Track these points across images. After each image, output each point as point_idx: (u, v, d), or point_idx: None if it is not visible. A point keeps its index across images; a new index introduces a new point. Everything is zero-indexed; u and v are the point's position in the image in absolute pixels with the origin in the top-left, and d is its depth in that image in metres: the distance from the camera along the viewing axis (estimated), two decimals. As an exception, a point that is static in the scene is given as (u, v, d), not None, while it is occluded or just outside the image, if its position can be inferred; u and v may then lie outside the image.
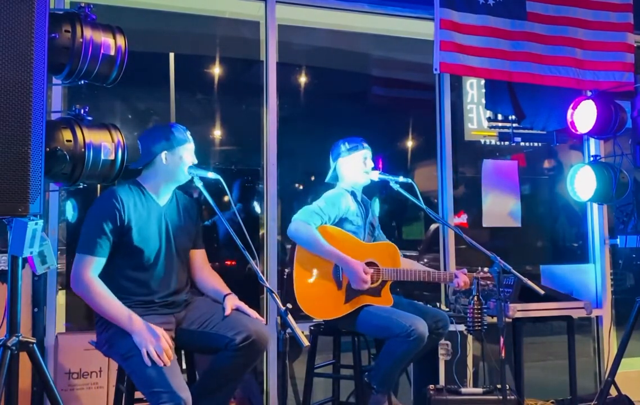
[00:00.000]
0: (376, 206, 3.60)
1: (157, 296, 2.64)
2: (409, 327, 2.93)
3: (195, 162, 2.78)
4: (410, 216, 4.95)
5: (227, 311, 2.63)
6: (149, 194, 2.72)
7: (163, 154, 2.71)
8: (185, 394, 2.31)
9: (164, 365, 2.35)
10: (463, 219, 4.66)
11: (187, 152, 2.75)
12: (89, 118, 2.49)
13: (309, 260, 3.15)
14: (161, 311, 2.63)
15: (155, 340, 2.39)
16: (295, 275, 3.14)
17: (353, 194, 3.35)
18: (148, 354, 2.36)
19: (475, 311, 3.01)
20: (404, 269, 3.24)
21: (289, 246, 3.23)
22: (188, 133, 2.80)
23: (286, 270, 3.21)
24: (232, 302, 2.69)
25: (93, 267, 2.52)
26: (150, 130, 2.83)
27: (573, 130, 4.28)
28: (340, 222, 3.26)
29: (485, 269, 3.16)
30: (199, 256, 2.89)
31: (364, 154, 3.34)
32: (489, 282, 3.14)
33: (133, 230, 2.59)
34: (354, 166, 3.35)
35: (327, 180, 3.48)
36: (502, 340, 2.87)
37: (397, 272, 3.20)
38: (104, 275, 2.56)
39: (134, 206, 2.63)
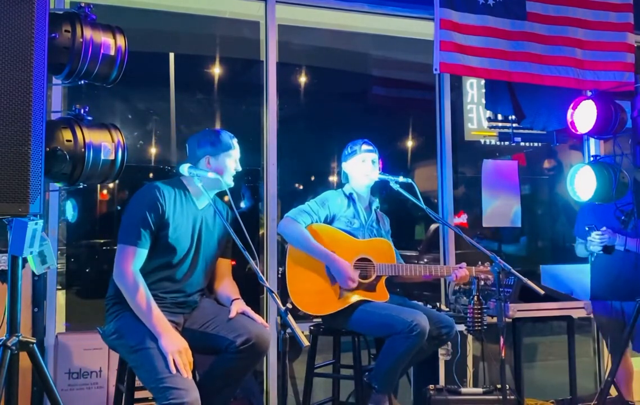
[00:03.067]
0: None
1: (172, 294, 2.65)
2: (411, 322, 2.91)
3: (239, 169, 2.82)
4: (410, 216, 4.95)
5: (232, 314, 2.63)
6: (190, 196, 2.73)
7: (206, 158, 2.75)
8: (195, 394, 2.31)
9: (185, 376, 2.35)
10: (463, 219, 4.66)
11: (231, 160, 2.78)
12: (89, 118, 2.48)
13: (302, 258, 3.15)
14: (172, 309, 2.63)
15: (183, 351, 2.40)
16: (288, 272, 3.15)
17: (351, 195, 3.35)
18: (161, 353, 2.37)
19: (475, 311, 3.02)
20: (398, 264, 3.24)
21: (287, 246, 3.23)
22: (234, 140, 2.82)
23: (280, 268, 3.21)
24: (239, 306, 2.69)
25: (135, 259, 2.53)
26: (198, 134, 2.84)
27: (573, 130, 4.27)
28: (333, 222, 3.27)
29: (486, 263, 3.15)
30: (223, 265, 2.90)
31: (363, 157, 3.33)
32: (489, 276, 3.13)
33: (170, 228, 2.61)
34: (354, 169, 3.35)
35: (341, 181, 3.50)
36: (502, 340, 2.87)
37: (392, 267, 3.19)
38: None
39: (174, 204, 2.65)
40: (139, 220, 2.55)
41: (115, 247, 2.61)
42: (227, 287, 2.86)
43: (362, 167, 3.33)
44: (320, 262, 3.15)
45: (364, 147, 3.34)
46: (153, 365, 2.36)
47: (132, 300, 2.49)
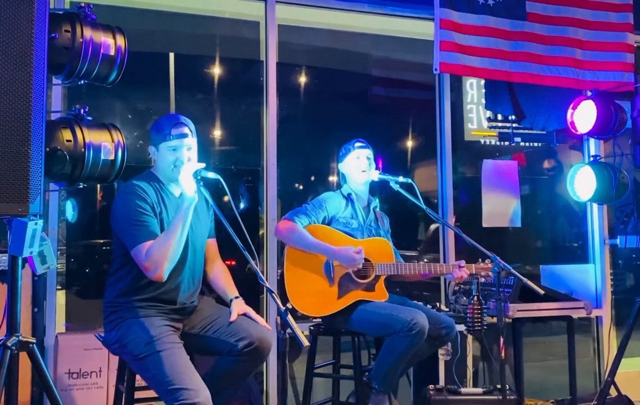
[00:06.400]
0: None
1: (170, 298, 2.58)
2: (411, 321, 2.91)
3: (184, 161, 2.58)
4: (410, 216, 4.95)
5: (233, 317, 2.60)
6: (164, 186, 2.67)
7: (151, 149, 2.69)
8: (206, 393, 2.30)
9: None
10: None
11: (169, 151, 2.60)
12: (89, 118, 2.49)
13: (299, 259, 3.15)
14: (172, 316, 2.59)
15: None
16: (286, 274, 3.15)
17: (349, 196, 3.35)
18: (167, 356, 2.36)
19: (475, 311, 3.01)
20: (397, 263, 3.23)
21: (285, 248, 3.23)
22: (182, 129, 2.61)
23: (279, 270, 3.20)
24: (239, 307, 2.66)
25: None
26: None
27: (573, 130, 4.28)
28: (331, 223, 3.26)
29: (487, 260, 3.11)
30: (210, 246, 2.83)
31: (357, 153, 3.33)
32: (490, 273, 3.11)
33: (159, 223, 2.55)
34: (350, 167, 3.35)
35: (339, 182, 3.50)
36: (502, 340, 2.87)
37: (390, 267, 3.18)
38: (123, 271, 2.55)
39: (154, 196, 2.58)
40: (137, 215, 2.49)
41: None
42: (221, 276, 2.82)
43: (357, 164, 3.32)
44: (318, 264, 3.15)
45: (357, 144, 3.36)
46: (160, 370, 2.35)
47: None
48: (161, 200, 2.61)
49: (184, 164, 2.55)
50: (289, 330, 2.17)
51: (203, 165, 2.52)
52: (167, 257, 2.42)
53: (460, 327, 3.56)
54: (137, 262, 2.46)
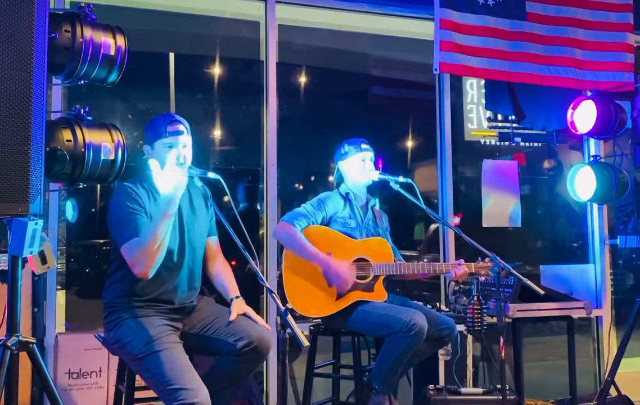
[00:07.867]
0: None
1: (168, 299, 2.58)
2: (409, 321, 2.91)
3: (182, 160, 2.58)
4: (410, 216, 4.95)
5: (232, 317, 2.59)
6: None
7: (146, 148, 2.68)
8: (205, 392, 2.30)
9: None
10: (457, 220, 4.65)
11: (165, 149, 2.58)
12: (89, 118, 2.48)
13: (298, 260, 3.14)
14: (171, 315, 2.59)
15: None
16: (285, 275, 3.15)
17: (347, 195, 3.35)
18: (166, 356, 2.36)
19: (475, 311, 3.01)
20: (396, 263, 3.23)
21: (284, 249, 3.23)
22: (178, 126, 2.60)
23: (278, 271, 3.20)
24: (239, 307, 2.65)
25: None
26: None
27: (573, 130, 4.28)
28: (329, 224, 3.26)
29: (486, 259, 3.10)
30: (211, 244, 2.82)
31: (362, 156, 3.32)
32: (489, 272, 3.10)
33: (147, 220, 2.52)
34: (353, 168, 3.35)
35: (333, 180, 3.49)
36: (502, 340, 2.87)
37: (389, 267, 3.18)
38: (121, 271, 2.54)
39: (147, 199, 2.56)
40: (127, 214, 2.47)
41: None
42: (223, 274, 2.80)
43: (361, 166, 3.32)
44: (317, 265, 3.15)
45: (364, 146, 3.34)
46: (159, 370, 2.34)
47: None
48: (153, 201, 2.59)
49: (183, 164, 2.55)
50: (289, 330, 2.17)
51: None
52: (150, 252, 2.37)
53: (460, 327, 3.56)
54: (126, 260, 2.45)
